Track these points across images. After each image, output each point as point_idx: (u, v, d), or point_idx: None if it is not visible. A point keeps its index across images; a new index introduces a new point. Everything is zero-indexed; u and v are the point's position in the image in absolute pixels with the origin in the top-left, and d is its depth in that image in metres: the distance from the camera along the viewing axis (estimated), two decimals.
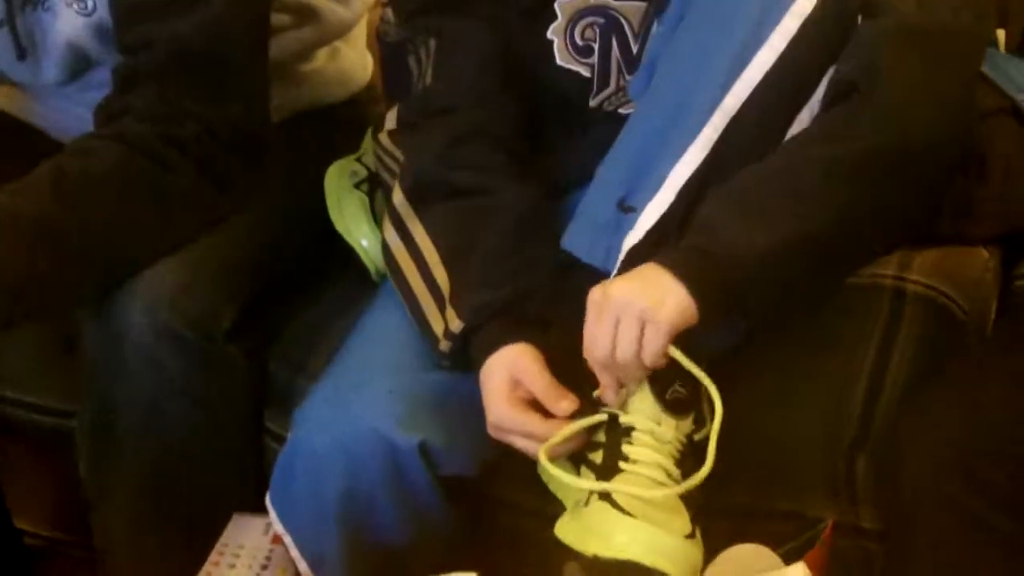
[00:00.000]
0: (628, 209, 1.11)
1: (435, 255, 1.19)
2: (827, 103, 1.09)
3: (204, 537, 1.27)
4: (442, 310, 1.16)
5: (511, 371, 1.11)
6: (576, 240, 1.15)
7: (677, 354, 1.06)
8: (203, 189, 1.27)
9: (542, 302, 1.15)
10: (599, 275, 1.12)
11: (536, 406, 1.12)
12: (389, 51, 1.32)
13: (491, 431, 1.13)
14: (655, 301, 1.04)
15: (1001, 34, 1.36)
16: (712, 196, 1.08)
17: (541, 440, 1.10)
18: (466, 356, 1.15)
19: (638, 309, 1.04)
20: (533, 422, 1.10)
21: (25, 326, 1.23)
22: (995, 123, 1.26)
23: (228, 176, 1.28)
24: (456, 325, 1.14)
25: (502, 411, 1.11)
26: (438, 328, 1.16)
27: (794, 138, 1.09)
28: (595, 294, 1.07)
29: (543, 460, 1.09)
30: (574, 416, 1.11)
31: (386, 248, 1.22)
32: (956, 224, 1.23)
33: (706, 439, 1.08)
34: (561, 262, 1.16)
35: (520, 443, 1.12)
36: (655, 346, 1.05)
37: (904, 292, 1.19)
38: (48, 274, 1.18)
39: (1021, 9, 1.38)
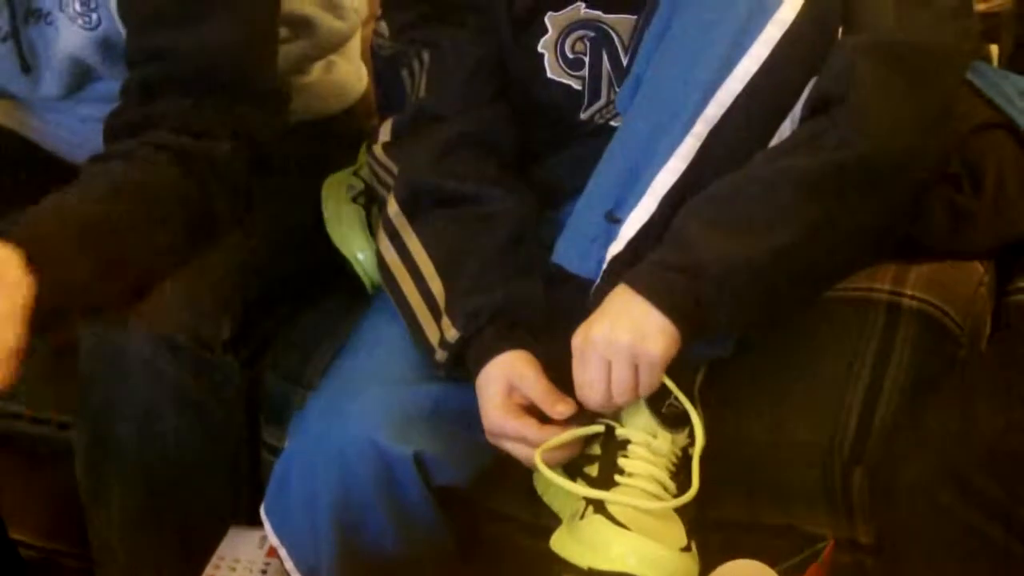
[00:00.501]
0: (615, 220, 1.12)
1: (430, 266, 1.19)
2: (805, 115, 1.10)
3: (199, 547, 1.27)
4: (437, 320, 1.17)
5: (508, 376, 1.12)
6: (566, 253, 1.16)
7: (668, 382, 1.08)
8: (230, 213, 1.26)
9: (536, 309, 1.15)
10: (589, 287, 1.13)
11: (532, 412, 1.12)
12: (383, 64, 1.33)
13: (488, 437, 1.13)
14: (642, 337, 1.05)
15: (994, 49, 1.37)
16: (686, 208, 1.08)
17: (536, 446, 1.10)
18: (462, 366, 1.15)
19: (628, 350, 1.05)
20: (529, 427, 1.11)
21: None
22: (989, 138, 1.27)
23: (247, 190, 1.27)
24: (452, 335, 1.15)
25: (498, 417, 1.11)
26: (434, 338, 1.17)
27: (769, 150, 1.10)
28: (578, 340, 1.08)
29: (539, 463, 1.09)
30: (570, 423, 1.11)
31: (381, 259, 1.23)
32: (950, 238, 1.24)
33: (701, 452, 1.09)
34: (552, 276, 1.17)
35: (516, 450, 1.12)
36: (651, 381, 1.06)
37: (899, 306, 1.19)
38: (94, 279, 1.15)
39: (1012, 25, 1.39)
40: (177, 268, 1.25)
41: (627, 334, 1.05)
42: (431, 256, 1.19)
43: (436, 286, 1.18)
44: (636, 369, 1.06)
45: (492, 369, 1.12)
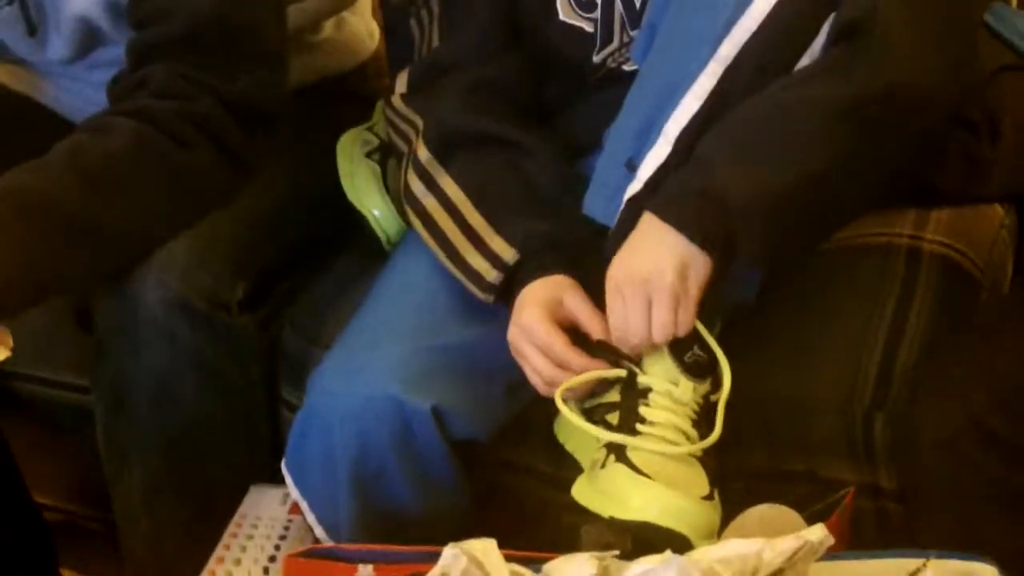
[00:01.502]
0: (634, 168, 1.11)
1: (468, 204, 1.19)
2: (830, 42, 1.08)
3: (221, 511, 1.26)
4: (480, 248, 1.17)
5: (558, 291, 1.12)
6: (593, 204, 1.15)
7: (699, 326, 1.07)
8: (220, 167, 1.26)
9: (580, 242, 1.15)
10: None
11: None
12: (392, 16, 1.32)
13: (512, 339, 1.12)
14: (680, 270, 1.04)
15: None
16: (709, 134, 1.07)
17: (559, 363, 1.10)
18: (508, 292, 1.15)
19: (668, 285, 1.04)
20: (558, 339, 1.10)
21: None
22: (1007, 80, 1.26)
23: (243, 152, 1.27)
24: (510, 255, 1.15)
25: (532, 318, 1.11)
26: (481, 266, 1.16)
27: (793, 74, 1.08)
28: (614, 277, 1.07)
29: (559, 401, 1.08)
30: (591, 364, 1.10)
31: (414, 200, 1.22)
32: (970, 182, 1.23)
33: None
34: (584, 230, 1.16)
35: (537, 364, 1.11)
36: (690, 318, 1.06)
37: (920, 251, 1.19)
38: (71, 259, 1.17)
39: None
40: (174, 232, 1.25)
41: (667, 270, 1.04)
42: (469, 194, 1.19)
43: (475, 219, 1.18)
44: (677, 305, 1.05)
45: (538, 284, 1.13)
